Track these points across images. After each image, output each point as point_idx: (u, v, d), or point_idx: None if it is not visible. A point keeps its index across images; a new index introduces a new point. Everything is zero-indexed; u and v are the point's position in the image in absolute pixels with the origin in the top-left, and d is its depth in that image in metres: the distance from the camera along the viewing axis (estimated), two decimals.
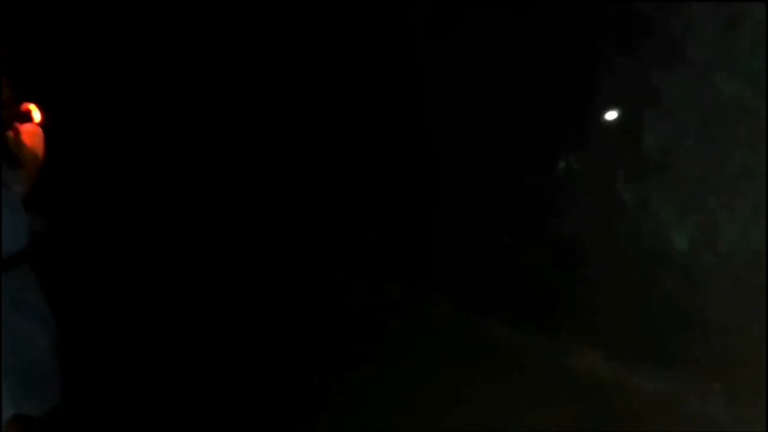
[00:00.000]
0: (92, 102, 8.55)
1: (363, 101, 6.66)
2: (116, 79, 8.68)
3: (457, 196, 5.99)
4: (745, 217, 4.44)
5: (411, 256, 6.40)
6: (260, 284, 6.85)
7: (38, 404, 2.96)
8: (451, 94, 5.87)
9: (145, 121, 8.64)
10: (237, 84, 7.99)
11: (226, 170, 8.16)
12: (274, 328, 6.02)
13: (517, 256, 5.66)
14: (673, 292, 4.84)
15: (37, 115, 2.89)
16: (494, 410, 4.71)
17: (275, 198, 7.71)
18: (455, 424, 4.59)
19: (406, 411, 4.73)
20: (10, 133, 2.78)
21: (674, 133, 4.60)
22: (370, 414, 4.70)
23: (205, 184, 8.22)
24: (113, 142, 8.53)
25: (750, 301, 4.51)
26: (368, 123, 6.66)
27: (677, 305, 4.82)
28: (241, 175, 8.04)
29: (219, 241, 7.68)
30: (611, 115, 4.97)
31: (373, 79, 6.54)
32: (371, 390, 5.02)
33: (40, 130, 2.89)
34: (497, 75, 5.49)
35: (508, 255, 5.72)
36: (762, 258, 4.42)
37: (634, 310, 5.02)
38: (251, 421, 4.69)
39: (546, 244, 5.47)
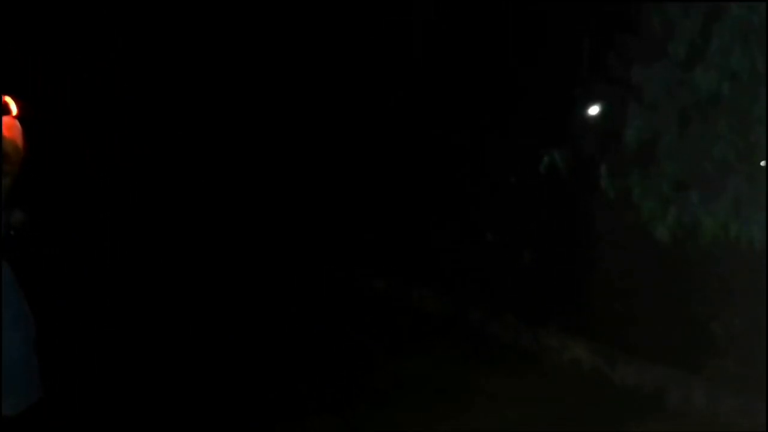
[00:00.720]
0: (92, 102, 8.62)
1: (351, 105, 6.72)
2: (116, 79, 8.75)
3: (443, 195, 6.03)
4: (725, 210, 4.46)
5: (400, 254, 6.44)
6: (255, 282, 6.90)
7: (17, 401, 2.93)
8: (438, 92, 5.92)
9: (145, 121, 8.71)
10: (237, 84, 8.04)
11: (225, 171, 8.21)
12: (269, 326, 6.05)
13: (501, 252, 5.70)
14: (655, 286, 4.86)
15: (14, 107, 2.91)
16: (480, 402, 4.74)
17: (275, 197, 7.75)
18: (441, 417, 4.61)
19: (394, 405, 4.75)
20: None
21: (655, 128, 4.62)
22: (362, 408, 4.72)
23: (203, 185, 8.26)
24: (112, 140, 8.59)
25: (732, 294, 4.53)
26: (352, 130, 6.71)
27: (660, 299, 4.85)
28: (240, 176, 8.08)
29: (216, 241, 7.73)
30: (593, 111, 5.00)
31: (363, 81, 6.59)
32: (363, 385, 5.05)
33: (17, 122, 2.91)
34: (481, 74, 5.53)
35: (493, 251, 5.76)
36: (743, 251, 4.44)
37: (617, 304, 5.05)
38: (248, 417, 4.69)
39: (531, 239, 5.51)
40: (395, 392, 4.95)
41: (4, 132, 2.85)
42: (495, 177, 5.59)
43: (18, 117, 2.90)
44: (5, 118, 2.87)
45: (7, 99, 2.89)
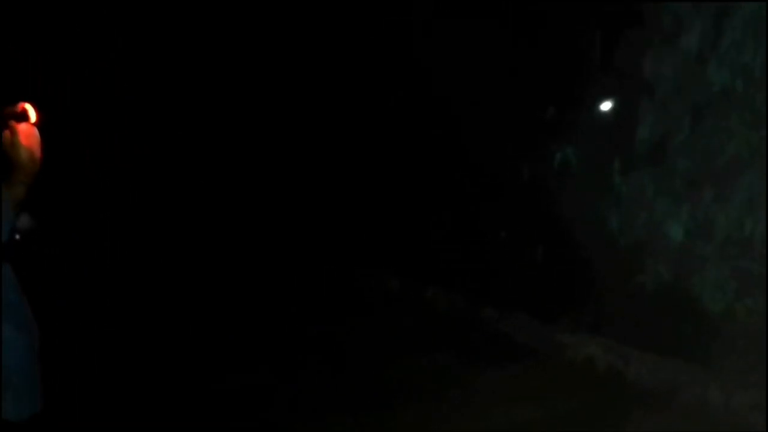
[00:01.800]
0: (92, 102, 8.59)
1: (359, 101, 6.70)
2: (116, 79, 8.72)
3: (455, 193, 6.02)
4: (738, 207, 4.45)
5: (411, 252, 6.43)
6: (263, 281, 6.88)
7: (20, 409, 2.88)
8: (447, 89, 5.90)
9: (145, 121, 8.68)
10: (237, 84, 8.03)
11: (226, 169, 8.20)
12: (274, 326, 6.04)
13: (514, 249, 5.69)
14: (669, 283, 4.85)
15: (33, 114, 2.85)
16: (494, 401, 4.72)
17: (279, 197, 7.74)
18: (452, 415, 4.60)
19: (404, 404, 4.74)
20: (6, 133, 2.74)
21: (668, 125, 4.61)
22: (372, 407, 4.70)
23: (204, 185, 8.25)
24: (113, 141, 8.57)
25: (745, 290, 4.52)
26: (363, 126, 6.69)
27: (674, 296, 4.84)
28: (245, 174, 8.07)
29: (218, 240, 7.72)
30: (606, 108, 4.98)
31: (370, 78, 6.58)
32: (374, 384, 5.04)
33: (35, 130, 2.85)
34: (492, 69, 5.52)
35: (506, 248, 5.75)
36: (756, 247, 4.43)
37: (631, 301, 5.03)
38: (253, 418, 4.68)
39: (543, 237, 5.50)
40: (406, 390, 4.92)
41: (21, 140, 2.79)
42: (507, 174, 5.57)
43: (36, 124, 2.85)
44: (23, 126, 2.81)
45: (26, 106, 2.83)
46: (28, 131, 2.82)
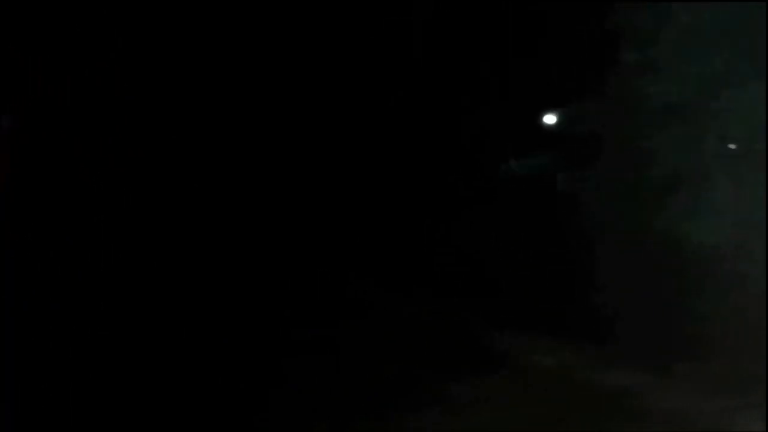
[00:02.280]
0: (91, 102, 8.68)
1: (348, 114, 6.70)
2: (115, 79, 8.78)
3: (431, 201, 6.04)
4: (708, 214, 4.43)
5: (387, 258, 6.46)
6: (254, 284, 6.96)
7: None
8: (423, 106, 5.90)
9: (144, 122, 8.74)
10: (236, 85, 8.03)
11: (222, 175, 8.23)
12: (268, 326, 6.11)
13: (486, 258, 5.70)
14: (640, 290, 4.84)
15: None
16: (464, 408, 4.76)
17: (273, 204, 7.79)
18: (426, 422, 4.64)
19: (382, 411, 4.79)
20: None
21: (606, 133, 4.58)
22: (351, 415, 4.77)
23: (202, 188, 8.30)
24: (110, 141, 8.65)
25: (718, 296, 4.50)
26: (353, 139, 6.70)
27: (647, 301, 4.83)
28: (240, 179, 8.11)
29: (217, 244, 7.79)
30: (551, 118, 4.96)
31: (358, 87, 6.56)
32: (352, 392, 5.10)
33: None
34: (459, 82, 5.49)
35: (477, 257, 5.76)
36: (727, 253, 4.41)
37: (602, 307, 5.04)
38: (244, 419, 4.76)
39: (515, 246, 5.51)
40: (383, 398, 4.97)
41: None
42: (481, 183, 5.57)
43: (5, 133, 2.83)
44: None
45: None
46: None
